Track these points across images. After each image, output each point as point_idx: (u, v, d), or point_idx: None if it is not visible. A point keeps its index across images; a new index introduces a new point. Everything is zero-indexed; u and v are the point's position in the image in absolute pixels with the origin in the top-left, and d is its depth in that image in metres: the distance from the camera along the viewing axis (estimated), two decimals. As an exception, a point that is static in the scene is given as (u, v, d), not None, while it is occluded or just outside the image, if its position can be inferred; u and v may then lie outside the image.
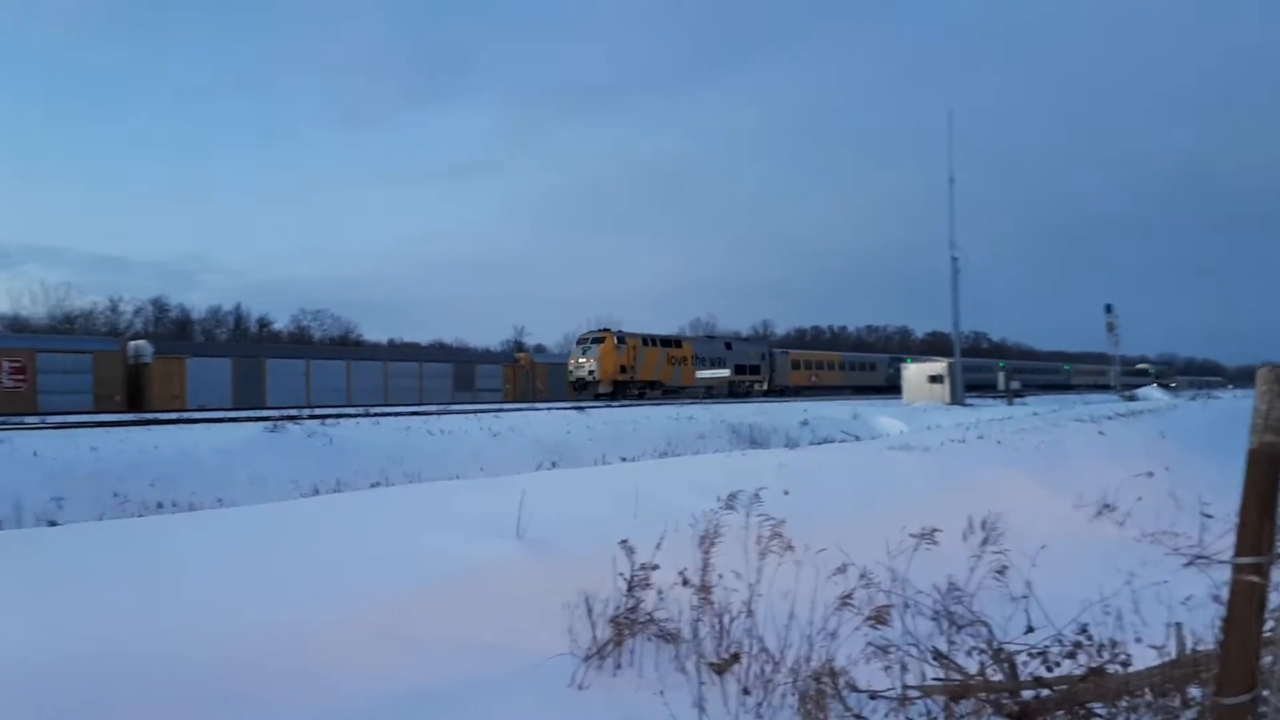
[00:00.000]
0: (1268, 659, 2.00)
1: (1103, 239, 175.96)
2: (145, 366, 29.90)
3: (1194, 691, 2.63)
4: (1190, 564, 5.75)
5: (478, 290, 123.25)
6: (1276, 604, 2.19)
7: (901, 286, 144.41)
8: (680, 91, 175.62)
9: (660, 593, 3.80)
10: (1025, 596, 4.31)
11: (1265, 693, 1.96)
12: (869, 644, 3.18)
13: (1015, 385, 35.50)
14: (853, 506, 5.85)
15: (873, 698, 3.06)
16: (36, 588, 3.38)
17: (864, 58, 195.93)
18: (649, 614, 3.75)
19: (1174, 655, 2.87)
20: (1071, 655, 2.96)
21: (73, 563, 3.74)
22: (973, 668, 3.07)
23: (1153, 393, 28.57)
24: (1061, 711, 2.75)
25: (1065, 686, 2.79)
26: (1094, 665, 2.87)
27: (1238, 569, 1.91)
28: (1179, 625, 3.02)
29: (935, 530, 3.78)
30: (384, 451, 12.44)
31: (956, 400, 27.75)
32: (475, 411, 19.77)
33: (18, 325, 49.50)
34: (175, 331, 58.23)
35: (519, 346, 65.20)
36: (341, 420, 15.17)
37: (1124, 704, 2.70)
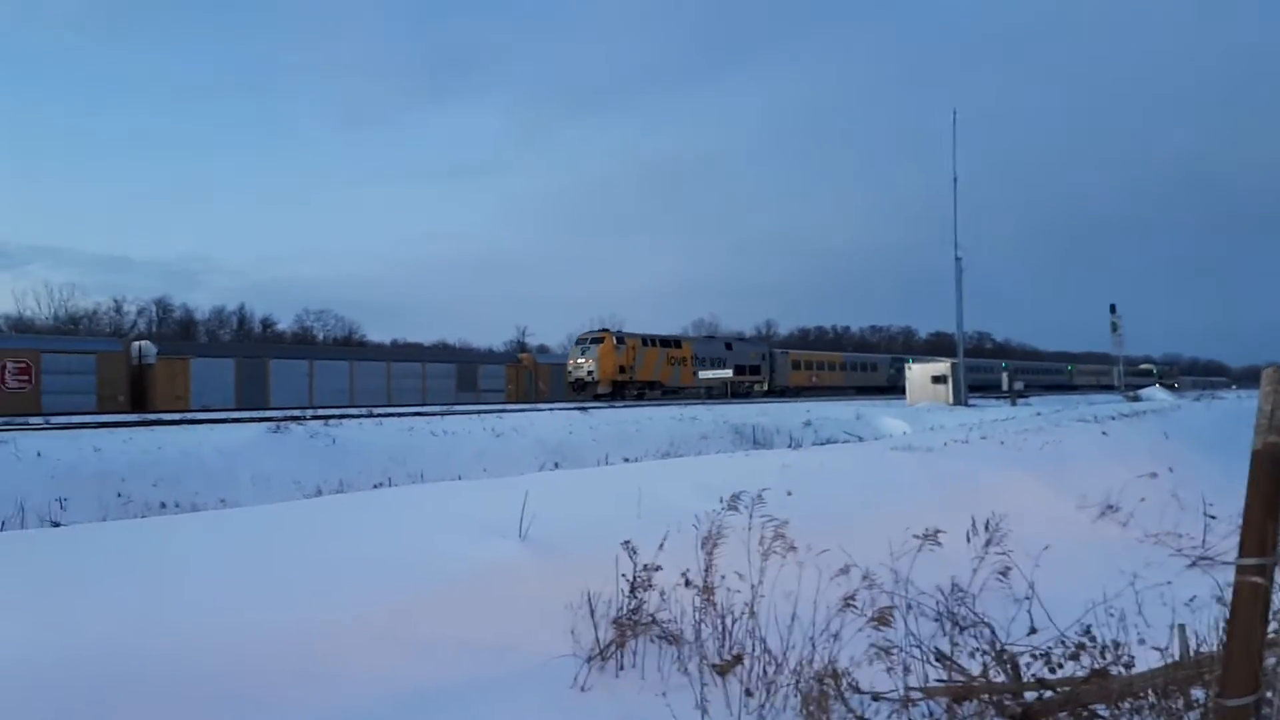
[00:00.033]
0: (1271, 661, 2.00)
1: (1104, 239, 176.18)
2: (149, 367, 29.99)
3: (1197, 693, 2.62)
4: (1194, 565, 5.74)
5: (480, 290, 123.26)
6: (1280, 605, 2.18)
7: (905, 287, 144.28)
8: (681, 91, 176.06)
9: (663, 594, 3.80)
10: (1028, 598, 4.30)
11: (1269, 694, 1.95)
12: (872, 645, 3.18)
13: (1019, 385, 35.47)
14: (856, 507, 5.84)
15: (875, 699, 3.06)
16: (40, 588, 3.39)
17: (864, 58, 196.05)
18: (651, 615, 3.75)
19: (1177, 657, 2.86)
20: (1075, 656, 2.95)
21: (76, 563, 3.75)
22: (975, 669, 3.07)
23: (1156, 393, 28.47)
24: (1064, 713, 2.74)
25: (1068, 688, 2.79)
26: (1097, 667, 2.87)
27: (1241, 570, 1.91)
28: (1182, 627, 3.02)
29: (938, 531, 3.76)
30: (387, 452, 12.46)
31: (960, 401, 27.67)
32: (478, 412, 19.79)
33: (22, 326, 49.71)
34: (179, 332, 58.44)
35: (522, 347, 65.31)
36: (345, 421, 15.19)
37: (1127, 705, 2.69)
